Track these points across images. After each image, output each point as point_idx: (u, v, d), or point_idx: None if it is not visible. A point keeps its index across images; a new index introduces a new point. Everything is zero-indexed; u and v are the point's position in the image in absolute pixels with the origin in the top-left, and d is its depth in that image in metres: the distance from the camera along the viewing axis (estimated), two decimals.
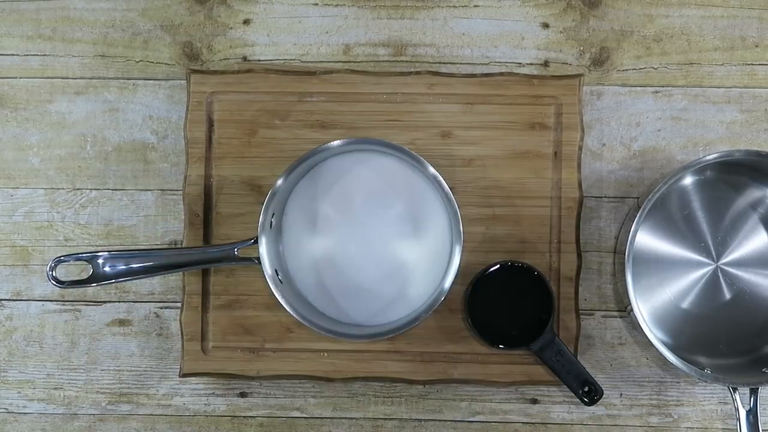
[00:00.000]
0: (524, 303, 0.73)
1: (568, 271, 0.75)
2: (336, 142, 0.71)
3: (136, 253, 0.72)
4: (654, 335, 0.70)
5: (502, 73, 0.76)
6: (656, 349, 0.70)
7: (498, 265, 0.72)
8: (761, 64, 0.78)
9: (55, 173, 0.80)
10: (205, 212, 0.76)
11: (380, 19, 0.79)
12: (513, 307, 0.73)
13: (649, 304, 0.75)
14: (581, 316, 0.75)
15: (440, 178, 0.70)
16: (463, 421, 0.78)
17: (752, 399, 0.71)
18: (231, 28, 0.80)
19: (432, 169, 0.70)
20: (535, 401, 0.78)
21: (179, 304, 0.77)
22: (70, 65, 0.80)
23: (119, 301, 0.79)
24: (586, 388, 0.73)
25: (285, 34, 0.79)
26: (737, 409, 0.71)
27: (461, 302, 0.74)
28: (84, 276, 0.71)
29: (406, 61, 0.79)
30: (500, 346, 0.73)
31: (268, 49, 0.79)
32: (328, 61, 0.79)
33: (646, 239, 0.75)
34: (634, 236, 0.70)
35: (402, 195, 0.73)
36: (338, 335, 0.72)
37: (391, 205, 0.73)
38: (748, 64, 0.78)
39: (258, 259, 0.71)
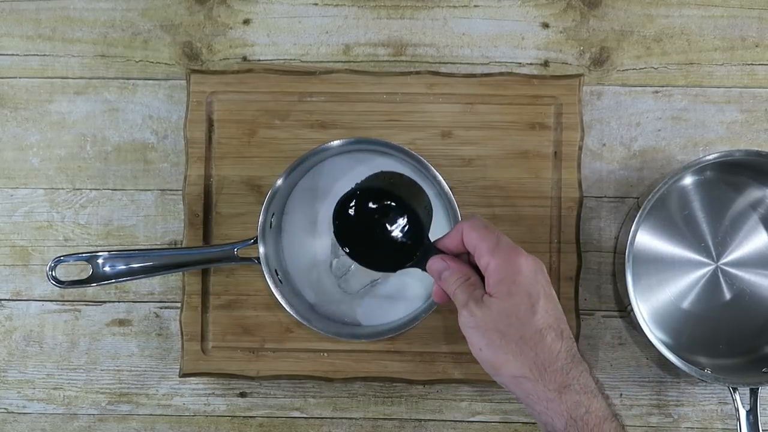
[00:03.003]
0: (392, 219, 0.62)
1: (568, 271, 0.75)
2: (336, 142, 0.71)
3: (135, 253, 0.72)
4: (654, 335, 0.70)
5: (502, 73, 0.76)
6: (656, 349, 0.70)
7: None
8: (761, 64, 0.78)
9: (55, 173, 0.80)
10: (205, 212, 0.76)
11: (380, 19, 0.79)
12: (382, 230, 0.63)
13: (649, 304, 0.75)
14: (581, 316, 0.75)
15: (440, 178, 0.70)
16: (463, 421, 0.78)
17: (752, 399, 0.71)
18: (231, 28, 0.80)
19: (432, 169, 0.70)
20: None
21: (179, 304, 0.77)
22: (70, 65, 0.80)
23: (119, 301, 0.79)
24: None
25: (285, 34, 0.79)
26: (737, 409, 0.71)
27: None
28: (84, 276, 0.71)
29: (406, 61, 0.79)
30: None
31: (268, 49, 0.79)
32: (328, 61, 0.79)
33: (646, 239, 0.75)
34: (634, 236, 0.71)
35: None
36: (338, 335, 0.72)
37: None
38: (748, 64, 0.78)
39: (258, 259, 0.71)
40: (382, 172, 0.64)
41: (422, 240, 0.62)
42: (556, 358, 0.57)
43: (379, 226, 0.62)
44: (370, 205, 0.62)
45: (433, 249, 0.62)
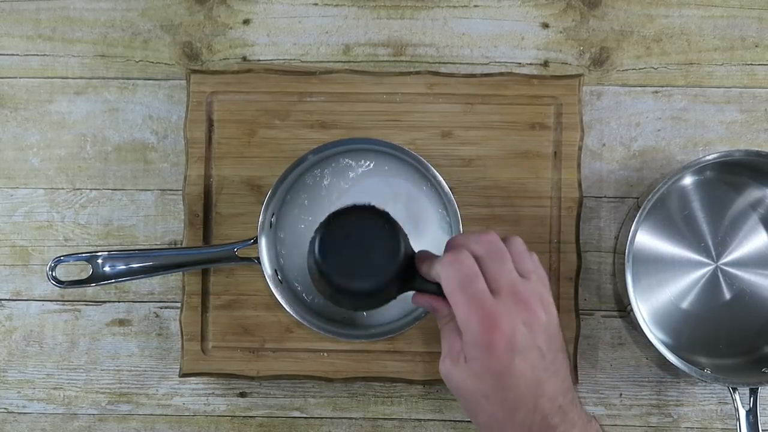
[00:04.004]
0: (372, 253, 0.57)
1: (568, 271, 0.75)
2: (336, 142, 0.71)
3: (135, 253, 0.72)
4: (654, 335, 0.70)
5: (502, 73, 0.76)
6: (656, 349, 0.70)
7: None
8: (761, 64, 0.78)
9: (55, 173, 0.80)
10: (205, 212, 0.76)
11: (380, 19, 0.79)
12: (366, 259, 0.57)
13: (649, 304, 0.75)
14: (581, 316, 0.75)
15: (440, 178, 0.70)
16: (463, 421, 0.78)
17: (752, 399, 0.71)
18: (231, 28, 0.80)
19: (432, 169, 0.70)
20: None
21: (179, 304, 0.77)
22: (70, 65, 0.80)
23: (119, 301, 0.79)
24: None
25: (285, 34, 0.79)
26: (737, 409, 0.71)
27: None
28: (84, 276, 0.71)
29: (406, 61, 0.79)
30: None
31: (268, 49, 0.79)
32: (328, 61, 0.79)
33: (646, 239, 0.75)
34: (634, 236, 0.71)
35: (402, 195, 0.73)
36: (338, 335, 0.72)
37: (390, 205, 0.73)
38: (748, 64, 0.78)
39: (258, 259, 0.71)
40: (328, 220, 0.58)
41: (390, 286, 0.57)
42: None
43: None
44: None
45: (412, 282, 0.57)
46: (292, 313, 0.71)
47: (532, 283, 0.56)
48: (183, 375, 0.76)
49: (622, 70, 0.78)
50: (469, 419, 0.77)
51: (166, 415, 0.79)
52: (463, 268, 0.53)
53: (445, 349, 0.56)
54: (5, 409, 0.80)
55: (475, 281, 0.53)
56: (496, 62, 0.79)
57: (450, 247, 0.57)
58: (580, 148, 0.75)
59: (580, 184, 0.75)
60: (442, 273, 0.54)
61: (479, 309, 0.53)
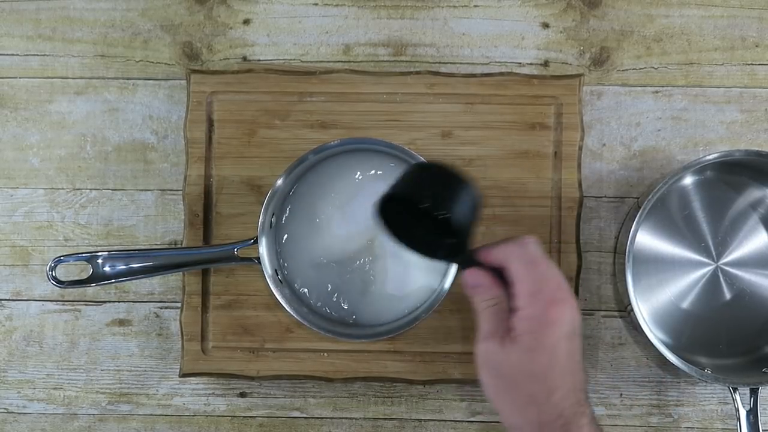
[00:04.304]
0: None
1: (568, 271, 0.75)
2: (336, 142, 0.71)
3: (135, 253, 0.72)
4: (654, 335, 0.70)
5: (502, 73, 0.76)
6: (656, 349, 0.70)
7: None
8: (761, 64, 0.78)
9: (55, 173, 0.80)
10: (205, 212, 0.76)
11: (380, 19, 0.79)
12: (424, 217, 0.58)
13: (649, 304, 0.75)
14: (582, 316, 0.75)
15: None
16: (463, 421, 0.78)
17: (752, 399, 0.71)
18: (231, 28, 0.80)
19: None
20: None
21: (179, 304, 0.77)
22: (70, 65, 0.80)
23: (119, 301, 0.79)
24: None
25: (285, 34, 0.79)
26: (737, 409, 0.71)
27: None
28: (84, 276, 0.71)
29: (406, 61, 0.79)
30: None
31: (268, 49, 0.79)
32: (328, 61, 0.79)
33: (646, 239, 0.75)
34: (634, 236, 0.71)
35: None
36: (338, 335, 0.72)
37: None
38: (748, 64, 0.78)
39: (258, 259, 0.71)
40: (430, 163, 0.61)
41: (465, 243, 0.58)
42: (557, 418, 0.55)
43: (425, 216, 0.57)
44: (419, 197, 0.58)
45: (473, 256, 0.59)
46: (292, 313, 0.71)
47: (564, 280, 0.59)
48: (183, 375, 0.76)
49: (623, 70, 0.78)
50: (469, 419, 0.78)
51: (166, 416, 0.79)
52: (531, 250, 0.57)
53: (488, 329, 0.57)
54: (5, 409, 0.79)
55: (542, 262, 0.57)
56: (496, 62, 0.79)
57: (508, 239, 0.59)
58: (580, 148, 0.75)
59: (580, 184, 0.75)
60: (514, 251, 0.57)
61: (547, 285, 0.56)
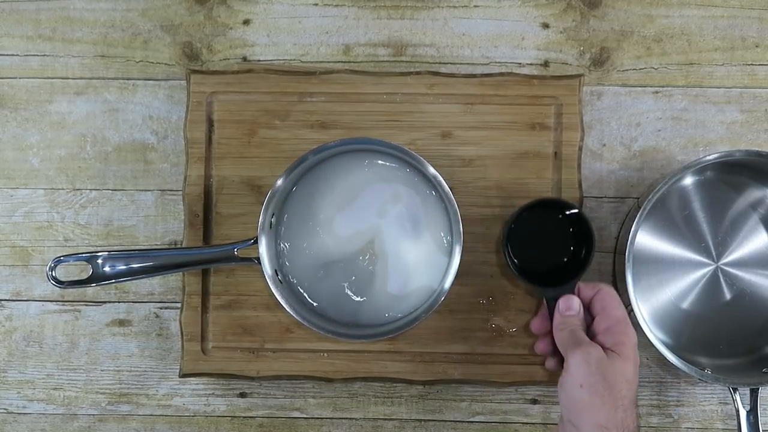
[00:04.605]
0: (560, 243, 0.71)
1: None
2: (336, 142, 0.71)
3: (135, 253, 0.72)
4: (654, 335, 0.70)
5: (502, 74, 0.76)
6: (656, 349, 0.70)
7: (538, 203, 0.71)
8: (761, 64, 0.78)
9: (55, 173, 0.80)
10: (204, 212, 0.76)
11: (380, 19, 0.79)
12: (548, 248, 0.71)
13: (649, 304, 0.75)
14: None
15: (440, 178, 0.70)
16: (463, 421, 0.78)
17: (752, 399, 0.71)
18: (231, 28, 0.80)
19: (432, 169, 0.70)
20: (535, 401, 0.78)
21: (179, 305, 0.77)
22: (70, 65, 0.80)
23: (119, 302, 0.79)
24: None
25: (285, 34, 0.79)
26: (737, 410, 0.71)
27: (501, 238, 0.73)
28: (84, 276, 0.71)
29: (406, 62, 0.79)
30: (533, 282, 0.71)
31: (268, 49, 0.79)
32: (328, 61, 0.79)
33: (646, 239, 0.75)
34: (634, 236, 0.70)
35: (402, 195, 0.73)
36: (338, 335, 0.72)
37: (390, 205, 0.73)
38: (748, 64, 0.78)
39: (258, 259, 0.71)
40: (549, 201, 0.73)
41: (576, 275, 0.69)
42: (632, 422, 0.61)
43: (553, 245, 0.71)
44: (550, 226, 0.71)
45: (572, 287, 0.68)
46: (292, 313, 0.71)
47: None
48: (183, 375, 0.76)
49: (623, 71, 0.78)
50: (469, 419, 0.77)
51: (166, 416, 0.79)
52: (612, 294, 0.67)
53: (579, 338, 0.65)
54: (5, 409, 0.79)
55: (618, 308, 0.66)
56: (496, 62, 0.79)
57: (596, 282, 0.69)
58: (580, 149, 0.75)
59: (580, 185, 0.75)
60: (609, 291, 0.67)
61: (617, 325, 0.65)
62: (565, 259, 0.70)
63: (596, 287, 0.67)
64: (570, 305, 0.67)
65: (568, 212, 0.70)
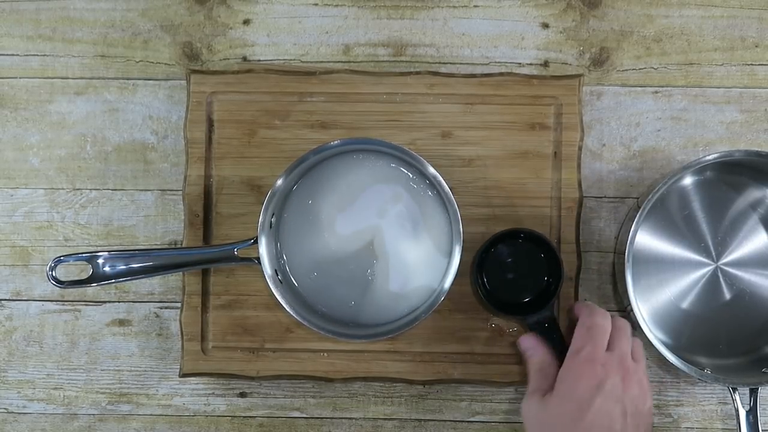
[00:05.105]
0: (531, 273, 0.73)
1: (568, 271, 0.75)
2: (336, 142, 0.71)
3: (136, 253, 0.72)
4: (654, 335, 0.70)
5: (502, 74, 0.76)
6: (656, 349, 0.70)
7: (506, 234, 0.73)
8: (761, 64, 0.78)
9: (55, 173, 0.80)
10: (205, 212, 0.76)
11: (380, 19, 0.79)
12: (519, 277, 0.73)
13: (649, 304, 0.75)
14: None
15: (440, 178, 0.70)
16: (463, 421, 0.78)
17: (752, 399, 0.71)
18: (231, 28, 0.80)
19: (432, 169, 0.70)
20: None
21: (179, 304, 0.77)
22: (70, 65, 0.80)
23: (119, 301, 0.79)
24: None
25: (285, 34, 0.79)
26: (737, 410, 0.71)
27: (470, 268, 0.74)
28: (84, 276, 0.71)
29: (406, 61, 0.79)
30: (501, 311, 0.73)
31: (268, 49, 0.79)
32: (328, 61, 0.79)
33: (646, 239, 0.75)
34: (634, 236, 0.71)
35: (402, 195, 0.73)
36: (338, 335, 0.72)
37: (390, 205, 0.73)
38: (748, 64, 0.78)
39: (258, 259, 0.71)
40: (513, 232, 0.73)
41: (548, 301, 0.71)
42: None
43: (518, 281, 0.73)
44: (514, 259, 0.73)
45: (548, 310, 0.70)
46: (292, 313, 0.71)
47: (640, 365, 0.67)
48: (183, 375, 0.76)
49: (622, 70, 0.79)
50: (469, 419, 0.78)
51: (166, 416, 0.79)
52: (598, 319, 0.66)
53: (534, 386, 0.67)
54: (5, 409, 0.80)
55: (602, 332, 0.66)
56: (496, 62, 0.79)
57: (584, 304, 0.70)
58: (580, 148, 0.75)
59: (580, 184, 0.75)
60: (584, 311, 0.67)
61: (592, 344, 0.64)
62: (541, 285, 0.72)
63: (578, 311, 0.69)
64: (524, 345, 0.70)
65: (521, 238, 0.72)
